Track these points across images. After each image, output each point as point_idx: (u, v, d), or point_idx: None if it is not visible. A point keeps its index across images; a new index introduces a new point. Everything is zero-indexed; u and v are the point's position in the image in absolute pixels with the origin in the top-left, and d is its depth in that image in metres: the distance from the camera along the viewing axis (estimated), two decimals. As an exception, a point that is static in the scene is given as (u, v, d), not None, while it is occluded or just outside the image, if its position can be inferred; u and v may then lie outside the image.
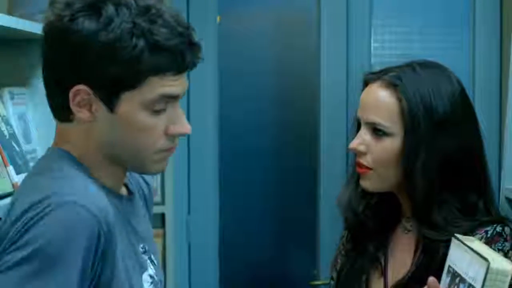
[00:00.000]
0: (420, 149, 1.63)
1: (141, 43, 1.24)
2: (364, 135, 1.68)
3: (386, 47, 3.00)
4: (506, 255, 1.58)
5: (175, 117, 1.32)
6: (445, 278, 1.37)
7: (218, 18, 3.03)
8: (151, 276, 1.42)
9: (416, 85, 1.65)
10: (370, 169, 1.68)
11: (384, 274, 1.73)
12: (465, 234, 1.51)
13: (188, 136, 2.99)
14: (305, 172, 3.09)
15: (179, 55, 1.27)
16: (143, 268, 1.40)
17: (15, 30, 1.75)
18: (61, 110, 1.31)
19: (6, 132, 1.75)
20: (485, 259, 1.25)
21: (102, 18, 1.25)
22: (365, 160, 1.68)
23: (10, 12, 2.61)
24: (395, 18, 3.03)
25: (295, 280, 3.16)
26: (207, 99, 2.98)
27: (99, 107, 1.27)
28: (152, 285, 1.41)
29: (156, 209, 2.92)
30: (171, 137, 1.33)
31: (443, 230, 1.61)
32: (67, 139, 1.33)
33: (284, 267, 3.16)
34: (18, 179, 1.71)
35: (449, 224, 1.62)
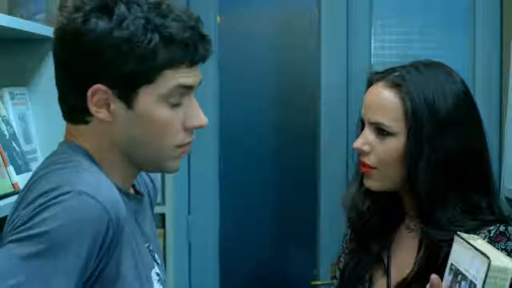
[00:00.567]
0: (423, 149, 1.63)
1: (156, 37, 1.27)
2: (368, 134, 1.68)
3: (386, 48, 3.00)
4: (509, 254, 1.58)
5: (191, 111, 1.34)
6: (447, 276, 1.38)
7: (218, 19, 3.03)
8: (157, 274, 1.43)
9: (420, 85, 1.66)
10: (374, 168, 1.68)
11: (387, 273, 1.73)
12: (468, 233, 1.52)
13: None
14: (305, 172, 3.09)
15: (192, 47, 1.30)
16: (151, 266, 1.41)
17: (15, 30, 1.75)
18: (76, 112, 1.32)
19: (6, 132, 1.75)
20: (487, 257, 1.26)
21: (115, 16, 1.26)
22: (369, 160, 1.68)
23: (10, 12, 2.61)
24: (395, 18, 3.03)
25: (295, 280, 3.16)
26: (208, 99, 2.98)
27: (118, 106, 1.29)
28: (159, 283, 1.42)
29: (157, 209, 2.90)
30: (189, 131, 1.35)
31: (447, 229, 1.61)
32: (79, 136, 1.34)
33: (284, 267, 3.16)
34: (19, 179, 1.71)
35: (452, 224, 1.62)
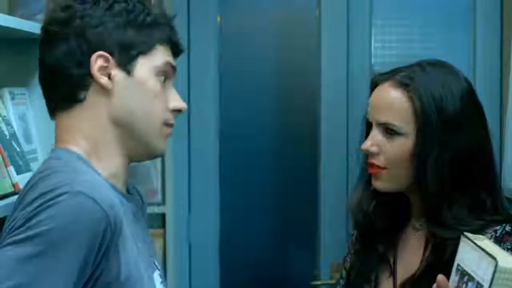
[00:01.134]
0: (432, 148, 1.63)
1: (150, 16, 1.41)
2: (376, 135, 1.68)
3: (386, 47, 3.00)
4: None
5: (173, 95, 1.44)
6: (454, 276, 1.37)
7: (218, 19, 3.03)
8: (160, 276, 1.44)
9: (427, 84, 1.66)
10: (383, 168, 1.68)
11: (393, 273, 1.73)
12: (474, 232, 1.52)
13: (189, 135, 2.99)
14: (305, 172, 3.09)
15: (174, 36, 1.44)
16: (153, 268, 1.42)
17: (15, 30, 1.74)
18: (73, 90, 1.37)
19: (6, 132, 1.75)
20: (494, 257, 1.25)
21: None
22: (378, 160, 1.68)
23: (10, 12, 2.61)
24: (395, 18, 3.03)
25: (296, 280, 3.15)
26: (208, 99, 2.98)
27: (118, 73, 1.37)
28: (162, 285, 1.43)
29: (157, 209, 2.93)
30: (172, 112, 1.43)
31: (453, 228, 1.62)
32: (71, 133, 1.36)
33: (284, 267, 3.16)
34: (19, 179, 1.71)
35: (459, 222, 1.63)
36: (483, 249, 1.29)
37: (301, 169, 3.11)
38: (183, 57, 1.57)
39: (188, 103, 2.93)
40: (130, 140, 1.38)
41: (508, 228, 1.63)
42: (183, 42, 1.50)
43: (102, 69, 1.36)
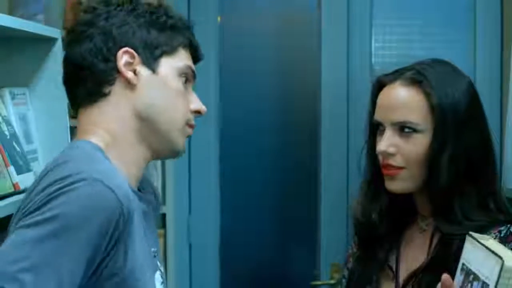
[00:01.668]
0: (447, 143, 1.63)
1: (173, 19, 1.46)
2: (391, 136, 1.67)
3: (386, 47, 2.99)
4: None
5: (193, 97, 1.48)
6: (459, 276, 1.37)
7: (218, 19, 3.02)
8: (161, 276, 1.46)
9: (439, 80, 1.66)
10: (402, 168, 1.67)
11: (396, 275, 1.73)
12: (480, 229, 1.52)
13: (189, 136, 2.99)
14: (305, 172, 3.08)
15: (194, 41, 1.49)
16: (155, 268, 1.43)
17: (15, 30, 1.75)
18: (96, 87, 1.40)
19: (7, 132, 1.75)
20: (500, 257, 1.25)
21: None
22: (395, 161, 1.67)
23: (10, 12, 2.61)
24: (395, 18, 3.02)
25: (296, 280, 3.15)
26: (208, 99, 2.97)
27: (143, 70, 1.41)
28: (162, 285, 1.45)
29: (157, 209, 2.93)
30: (192, 113, 1.48)
31: (461, 224, 1.62)
32: (93, 126, 1.39)
33: (284, 267, 3.15)
34: (19, 179, 1.71)
35: (466, 219, 1.63)
36: (488, 249, 1.29)
37: (301, 169, 3.11)
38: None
39: (188, 103, 2.93)
40: (153, 135, 1.42)
41: None
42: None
43: (128, 64, 1.40)
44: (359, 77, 2.92)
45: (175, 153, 1.49)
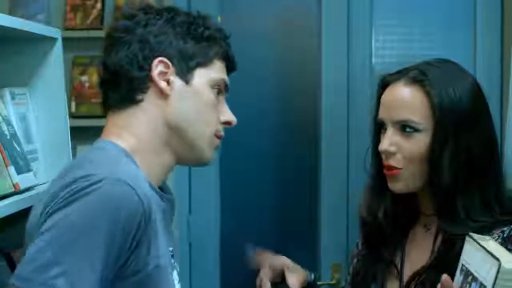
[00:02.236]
0: (448, 142, 1.64)
1: (209, 30, 1.48)
2: (393, 135, 1.67)
3: (387, 47, 3.00)
4: None
5: (225, 109, 1.51)
6: (459, 276, 1.37)
7: (218, 18, 3.02)
8: (178, 275, 1.48)
9: (441, 79, 1.67)
10: (400, 169, 1.67)
11: (400, 274, 1.74)
12: (483, 230, 1.52)
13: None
14: (305, 172, 3.08)
15: (230, 52, 1.53)
16: (172, 266, 1.45)
17: (15, 30, 1.75)
18: (130, 93, 1.42)
19: (7, 132, 1.75)
20: (497, 259, 1.25)
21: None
22: (395, 161, 1.67)
23: (10, 12, 2.61)
24: (395, 18, 3.02)
25: (296, 280, 3.14)
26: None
27: (176, 81, 1.43)
28: (179, 284, 1.47)
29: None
30: (222, 125, 1.51)
31: (464, 224, 1.62)
32: (120, 129, 1.42)
33: (284, 267, 3.15)
34: (19, 179, 1.71)
35: (470, 219, 1.63)
36: (487, 250, 1.29)
37: (301, 169, 3.11)
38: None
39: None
40: (179, 144, 1.44)
41: None
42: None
43: (162, 74, 1.42)
44: (359, 77, 2.92)
45: (201, 162, 1.52)
